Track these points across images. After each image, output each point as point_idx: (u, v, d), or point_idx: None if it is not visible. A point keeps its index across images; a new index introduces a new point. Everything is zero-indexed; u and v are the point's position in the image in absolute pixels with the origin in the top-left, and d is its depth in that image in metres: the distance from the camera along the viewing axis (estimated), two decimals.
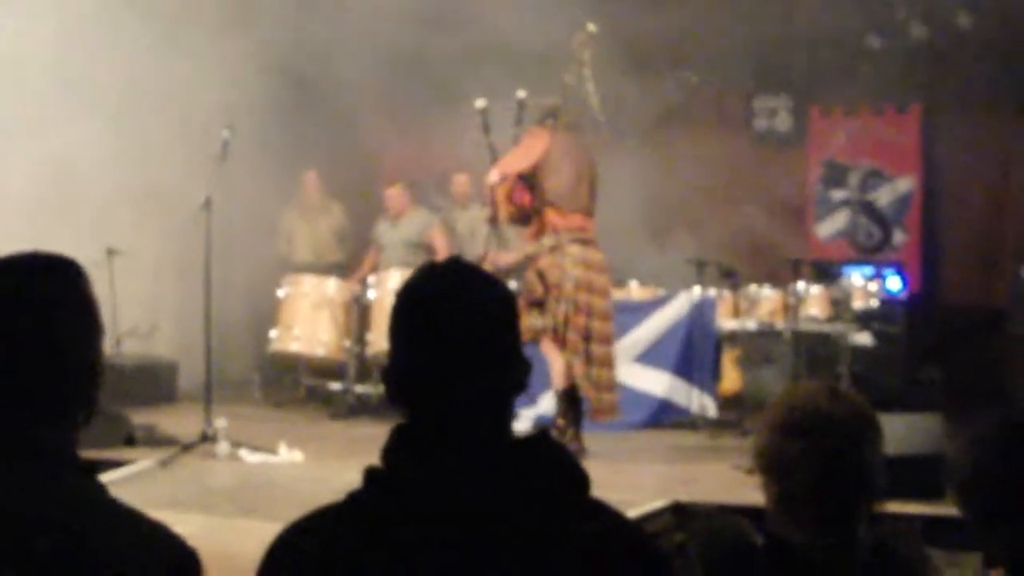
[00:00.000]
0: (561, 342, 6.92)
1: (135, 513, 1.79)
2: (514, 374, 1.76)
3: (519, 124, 7.29)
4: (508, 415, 1.76)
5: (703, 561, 2.32)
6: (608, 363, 7.11)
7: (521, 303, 7.13)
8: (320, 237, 10.30)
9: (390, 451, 1.70)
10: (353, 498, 1.70)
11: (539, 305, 6.94)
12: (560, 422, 6.94)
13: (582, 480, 1.72)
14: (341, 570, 1.63)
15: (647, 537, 1.81)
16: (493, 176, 7.16)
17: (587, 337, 6.97)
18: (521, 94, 7.30)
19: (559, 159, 7.01)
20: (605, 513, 1.74)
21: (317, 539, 1.69)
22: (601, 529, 1.70)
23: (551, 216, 7.00)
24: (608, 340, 7.14)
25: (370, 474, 1.70)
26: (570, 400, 6.98)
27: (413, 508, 1.63)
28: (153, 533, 1.78)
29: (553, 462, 1.70)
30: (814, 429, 2.21)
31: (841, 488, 2.20)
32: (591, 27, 7.28)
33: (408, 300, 1.77)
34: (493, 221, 7.51)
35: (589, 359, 6.98)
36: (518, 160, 7.05)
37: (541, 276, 6.95)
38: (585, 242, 7.04)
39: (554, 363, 6.96)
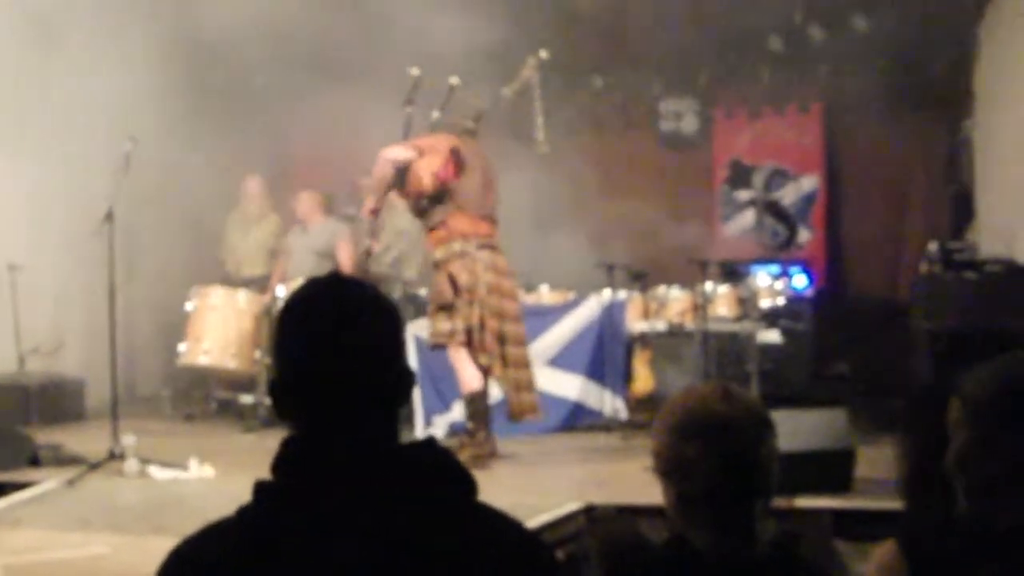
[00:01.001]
0: (478, 345, 6.93)
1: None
2: (397, 385, 1.79)
3: (443, 110, 7.19)
4: (393, 424, 1.79)
5: (603, 563, 2.34)
6: (524, 363, 7.17)
7: (431, 308, 7.14)
8: (247, 249, 10.01)
9: (279, 464, 1.72)
10: (243, 512, 1.71)
11: (447, 309, 6.93)
12: (470, 426, 6.96)
13: (468, 484, 1.74)
14: None
15: (536, 539, 1.84)
16: (398, 153, 6.97)
17: (502, 340, 7.01)
18: (415, 71, 7.19)
19: (467, 166, 7.01)
20: (492, 517, 1.76)
21: (208, 553, 1.70)
22: (489, 534, 1.72)
23: (460, 222, 6.99)
24: (522, 342, 7.20)
25: (259, 487, 1.71)
26: (478, 404, 6.99)
27: (300, 519, 1.65)
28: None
29: (438, 468, 1.73)
30: (708, 431, 2.25)
31: (737, 487, 2.24)
32: (543, 53, 7.35)
33: (290, 315, 1.79)
34: (375, 213, 7.37)
35: (505, 361, 7.02)
36: (430, 161, 6.92)
37: (452, 280, 6.95)
38: (492, 248, 7.07)
39: (462, 369, 6.96)
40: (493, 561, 1.69)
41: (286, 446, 1.73)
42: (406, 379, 1.80)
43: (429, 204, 7.02)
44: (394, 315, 1.83)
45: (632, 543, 2.38)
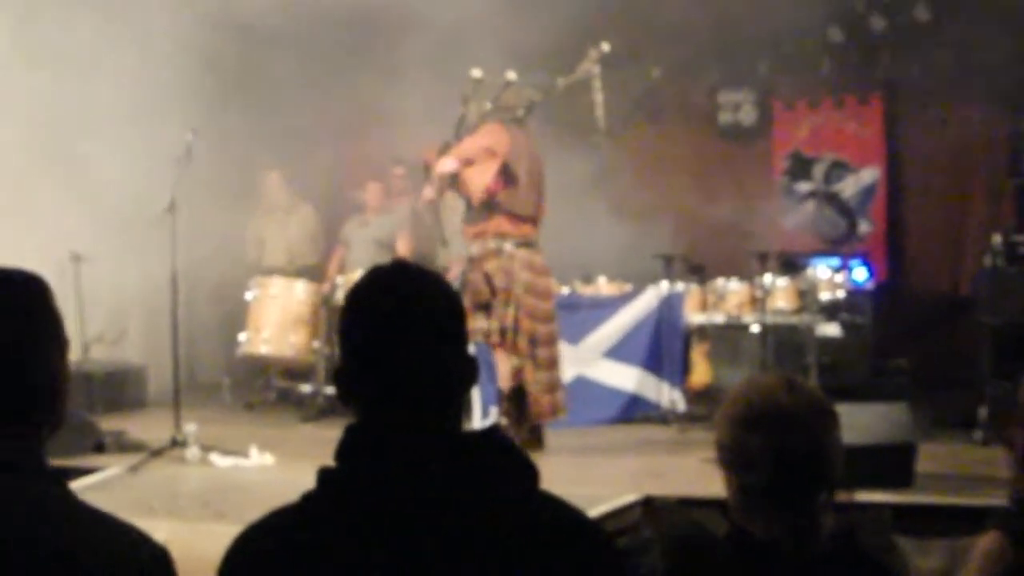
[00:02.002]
0: (511, 346, 6.93)
1: (106, 516, 1.81)
2: (460, 373, 1.79)
3: (466, 104, 7.20)
4: (457, 411, 1.80)
5: (666, 554, 2.33)
6: (554, 364, 7.12)
7: (467, 304, 7.12)
8: (292, 240, 10.13)
9: (342, 450, 1.73)
10: (307, 498, 1.72)
11: (485, 308, 6.91)
12: (504, 421, 6.95)
13: (531, 474, 1.74)
14: (297, 570, 1.66)
15: (598, 529, 1.84)
16: (447, 166, 7.01)
17: (534, 341, 6.98)
18: (477, 73, 7.20)
19: (516, 167, 6.98)
20: (555, 506, 1.77)
21: (273, 540, 1.71)
22: (551, 522, 1.73)
23: (501, 223, 6.98)
24: (554, 341, 7.16)
25: (323, 474, 1.72)
26: (515, 400, 6.98)
27: (365, 506, 1.66)
28: (124, 535, 1.80)
29: (501, 456, 1.73)
30: (772, 422, 2.23)
31: (799, 480, 2.23)
32: (605, 46, 7.33)
33: (354, 302, 1.80)
34: (433, 202, 7.40)
35: (536, 363, 6.99)
36: (481, 171, 6.93)
37: (488, 279, 6.93)
38: (530, 245, 7.04)
39: (501, 364, 6.95)
40: (557, 549, 1.69)
41: (350, 433, 1.74)
42: (469, 366, 1.80)
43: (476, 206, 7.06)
44: (457, 302, 1.83)
45: (694, 535, 2.37)
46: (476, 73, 7.12)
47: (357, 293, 1.80)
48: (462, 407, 1.82)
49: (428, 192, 7.29)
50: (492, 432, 1.77)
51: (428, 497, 1.65)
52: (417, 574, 1.62)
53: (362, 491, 1.67)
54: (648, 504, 5.49)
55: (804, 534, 2.23)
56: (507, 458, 1.73)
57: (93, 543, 1.74)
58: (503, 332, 6.89)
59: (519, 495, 1.71)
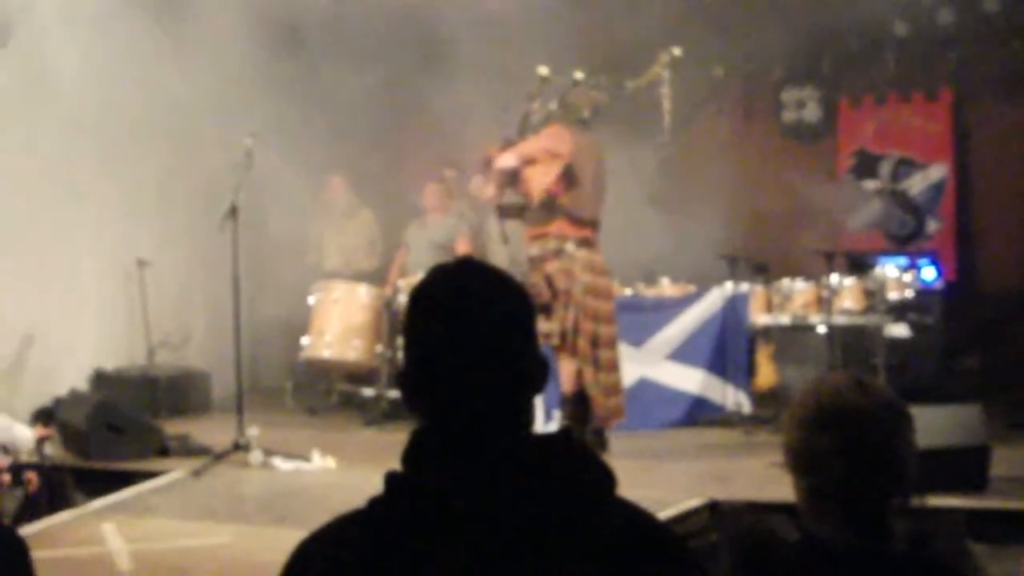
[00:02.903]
0: (571, 348, 6.87)
1: None
2: (530, 373, 1.72)
3: (561, 102, 7.16)
4: (527, 414, 1.72)
5: (735, 560, 2.27)
6: (614, 367, 7.06)
7: None
8: (349, 244, 10.15)
9: (410, 456, 1.67)
10: (375, 504, 1.66)
11: (544, 310, 6.85)
12: (568, 425, 6.87)
13: (607, 478, 1.67)
14: None
15: (675, 535, 1.76)
16: (507, 162, 6.97)
17: (595, 343, 6.92)
18: (543, 71, 7.16)
19: (579, 170, 6.94)
20: (631, 511, 1.70)
21: (339, 547, 1.65)
22: (628, 527, 1.66)
23: (563, 225, 6.93)
24: (614, 343, 7.09)
25: (391, 480, 1.66)
26: (577, 403, 6.92)
27: (435, 512, 1.60)
28: None
29: (576, 461, 1.66)
30: (842, 424, 2.16)
31: (872, 483, 2.16)
32: (676, 51, 7.29)
33: (419, 303, 1.73)
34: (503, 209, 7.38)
35: (597, 365, 6.93)
36: (543, 171, 6.88)
37: (549, 281, 6.88)
38: (590, 245, 6.99)
39: (563, 367, 6.88)
40: (634, 557, 1.62)
41: (416, 437, 1.68)
42: (539, 367, 1.72)
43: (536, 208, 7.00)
44: (525, 300, 1.75)
45: (763, 539, 2.30)
46: (543, 71, 7.09)
47: (421, 293, 1.73)
48: (533, 410, 1.74)
49: (489, 189, 7.26)
50: (566, 435, 1.69)
51: (501, 503, 1.58)
52: None
53: (432, 497, 1.61)
54: (715, 508, 5.41)
55: (876, 539, 2.16)
56: (583, 463, 1.66)
57: None
58: (563, 334, 6.84)
59: (595, 501, 1.64)
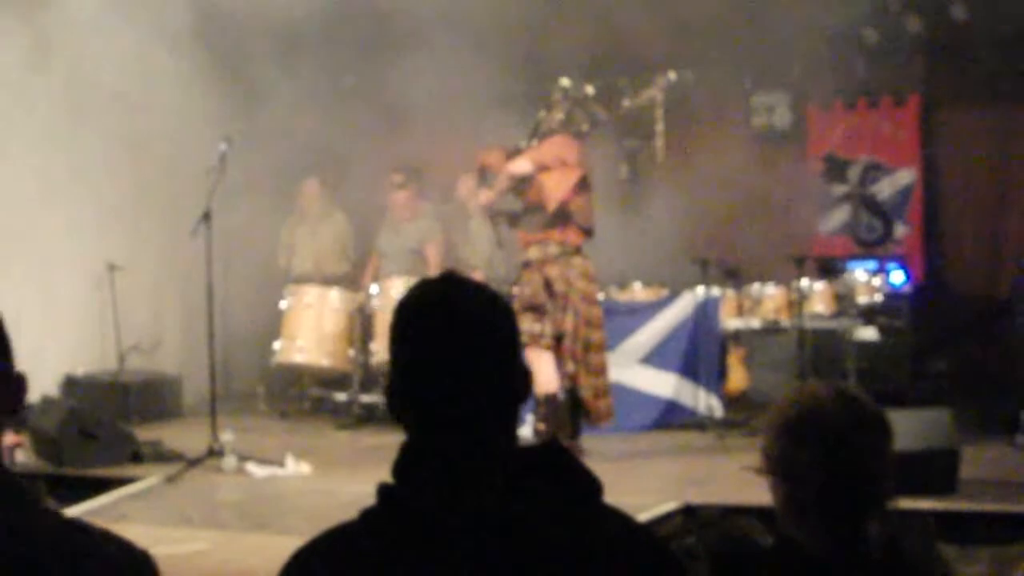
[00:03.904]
0: (568, 352, 6.95)
1: (80, 524, 1.72)
2: (515, 385, 1.75)
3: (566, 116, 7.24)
4: (513, 425, 1.76)
5: (712, 564, 2.30)
6: (604, 370, 7.18)
7: (516, 306, 7.10)
8: (321, 247, 10.09)
9: (400, 468, 1.69)
10: (367, 516, 1.68)
11: (536, 310, 6.92)
12: (541, 427, 6.91)
13: (594, 487, 1.70)
14: None
15: (661, 542, 1.80)
16: (521, 167, 7.08)
17: (587, 347, 7.02)
18: (565, 82, 7.25)
19: (588, 181, 7.12)
20: (619, 519, 1.73)
21: (334, 558, 1.67)
22: (616, 536, 1.69)
23: (568, 232, 7.05)
24: (603, 348, 7.21)
25: (383, 491, 1.68)
26: (551, 405, 6.96)
27: (427, 524, 1.62)
28: (102, 543, 1.70)
29: (563, 471, 1.69)
30: (823, 437, 2.18)
31: (850, 494, 2.19)
32: (672, 75, 7.37)
33: (404, 317, 1.76)
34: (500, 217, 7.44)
35: (588, 367, 7.01)
36: (560, 179, 6.97)
37: (548, 284, 6.95)
38: (582, 254, 7.14)
39: (540, 370, 6.91)
40: (623, 565, 1.65)
41: (406, 449, 1.71)
42: (523, 378, 1.76)
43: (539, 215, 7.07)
44: (509, 313, 1.79)
45: (740, 546, 2.34)
46: (564, 82, 7.24)
47: (406, 308, 1.76)
48: (517, 420, 1.77)
49: (485, 195, 7.32)
50: (552, 446, 1.72)
51: (490, 514, 1.61)
52: None
53: (423, 509, 1.63)
54: (689, 512, 5.45)
55: (852, 545, 2.19)
56: (569, 472, 1.69)
57: (68, 552, 1.64)
58: (559, 337, 6.93)
59: (583, 509, 1.67)
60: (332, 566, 1.66)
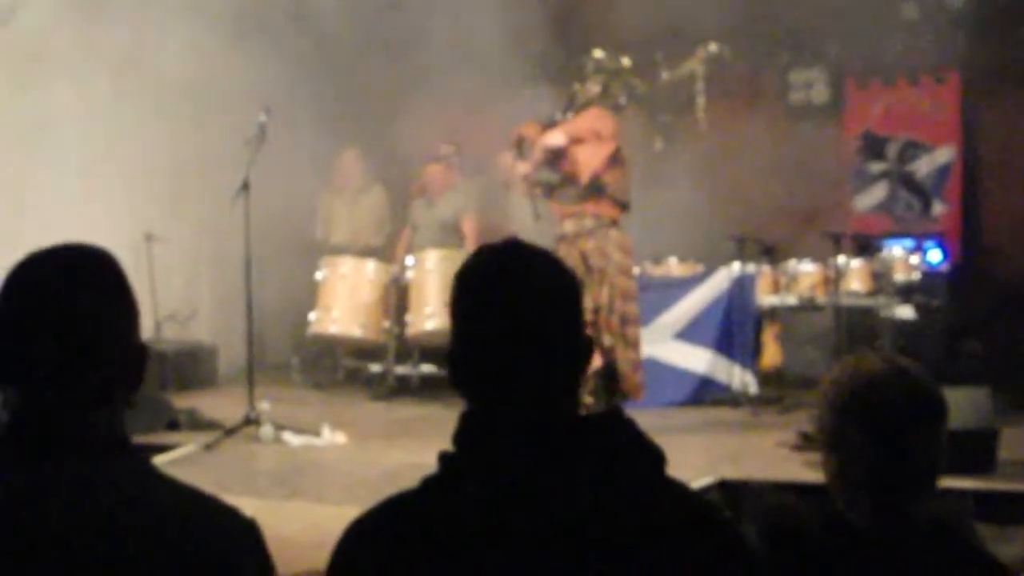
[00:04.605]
0: (604, 325, 6.94)
1: (191, 491, 1.80)
2: (578, 351, 1.74)
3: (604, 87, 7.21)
4: (574, 394, 1.74)
5: (764, 538, 2.29)
6: (638, 344, 7.17)
7: None
8: (358, 219, 10.10)
9: (463, 436, 1.68)
10: (429, 484, 1.68)
11: None
12: (589, 400, 6.93)
13: (658, 456, 1.70)
14: (423, 557, 1.61)
15: (724, 514, 1.79)
16: (555, 139, 7.05)
17: (624, 320, 7.01)
18: (599, 53, 7.22)
19: (623, 152, 7.08)
20: (681, 490, 1.73)
21: (397, 525, 1.66)
22: (679, 506, 1.69)
23: (602, 205, 7.04)
24: (637, 321, 7.20)
25: (445, 459, 1.67)
26: (604, 378, 6.97)
27: (490, 492, 1.62)
28: (211, 509, 1.79)
29: (627, 439, 1.68)
30: (877, 417, 2.15)
31: (903, 470, 2.16)
32: (713, 46, 7.32)
33: (466, 283, 1.74)
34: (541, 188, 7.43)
35: (626, 342, 7.02)
36: (593, 152, 6.96)
37: (584, 257, 6.95)
38: (618, 226, 7.11)
39: None
40: (685, 534, 1.65)
41: (467, 417, 1.70)
42: (586, 345, 1.74)
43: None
44: (571, 279, 1.77)
45: (790, 517, 2.32)
46: (598, 53, 7.19)
47: (470, 275, 1.74)
48: (580, 387, 1.76)
49: (522, 166, 7.30)
50: (616, 415, 1.71)
51: (553, 483, 1.60)
52: (546, 560, 1.58)
53: (487, 477, 1.63)
54: (724, 487, 5.45)
55: (902, 523, 2.18)
56: (634, 441, 1.68)
57: (179, 518, 1.72)
58: (597, 311, 6.92)
59: (647, 479, 1.67)
60: (395, 533, 1.65)
